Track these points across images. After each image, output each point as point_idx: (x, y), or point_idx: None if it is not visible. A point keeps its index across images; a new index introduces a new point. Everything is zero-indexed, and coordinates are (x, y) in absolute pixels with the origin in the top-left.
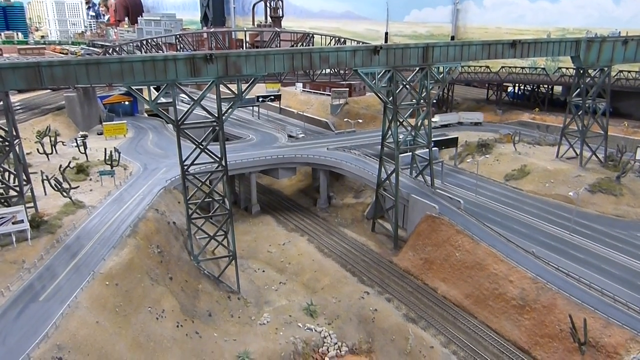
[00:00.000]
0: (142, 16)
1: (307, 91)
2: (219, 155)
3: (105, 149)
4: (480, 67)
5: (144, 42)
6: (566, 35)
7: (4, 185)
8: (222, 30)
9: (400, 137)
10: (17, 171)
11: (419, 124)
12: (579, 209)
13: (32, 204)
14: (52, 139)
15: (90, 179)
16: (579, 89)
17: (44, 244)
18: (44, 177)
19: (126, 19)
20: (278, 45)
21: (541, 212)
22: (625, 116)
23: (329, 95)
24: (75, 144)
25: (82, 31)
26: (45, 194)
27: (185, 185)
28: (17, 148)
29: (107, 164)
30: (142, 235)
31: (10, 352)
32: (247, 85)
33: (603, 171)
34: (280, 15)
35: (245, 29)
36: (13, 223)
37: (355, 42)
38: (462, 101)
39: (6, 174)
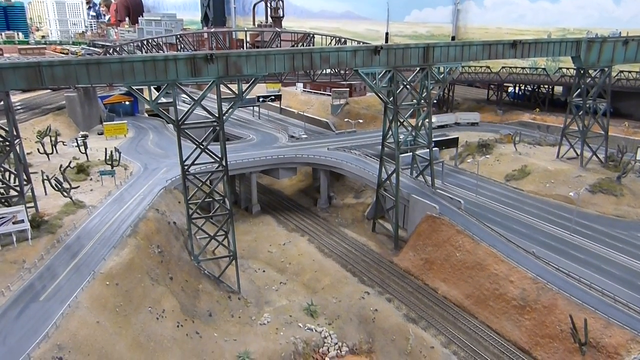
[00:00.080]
0: (142, 16)
1: (308, 91)
2: (220, 155)
3: (105, 148)
4: (481, 67)
5: (145, 42)
6: (567, 35)
7: (4, 185)
8: (223, 30)
9: (401, 137)
10: (17, 171)
11: (419, 124)
12: (579, 210)
13: (32, 204)
14: (53, 138)
15: (91, 179)
16: (579, 89)
17: (45, 244)
18: (45, 177)
19: (127, 19)
20: (278, 45)
21: (542, 213)
22: (625, 116)
23: (330, 95)
24: (76, 144)
25: (83, 31)
26: (46, 194)
27: (185, 185)
28: (17, 148)
29: (108, 164)
30: (142, 235)
31: (10, 351)
32: (247, 85)
33: (603, 171)
34: (281, 15)
35: (245, 29)
36: (13, 223)
37: (356, 42)
38: (462, 101)
39: (7, 173)
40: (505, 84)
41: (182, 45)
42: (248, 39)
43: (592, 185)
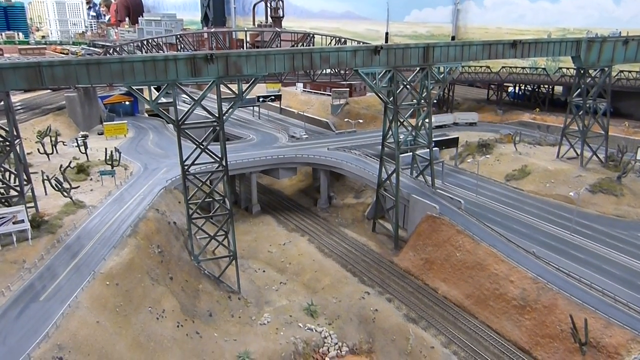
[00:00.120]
0: (142, 16)
1: (308, 91)
2: (220, 155)
3: (105, 148)
4: (481, 67)
5: (145, 42)
6: (567, 35)
7: (4, 185)
8: (223, 30)
9: (401, 137)
10: (17, 171)
11: (419, 124)
12: (579, 209)
13: (32, 204)
14: (53, 138)
15: (91, 179)
16: (579, 89)
17: (45, 244)
18: (45, 177)
19: (127, 19)
20: (278, 45)
21: (542, 212)
22: (625, 116)
23: (330, 95)
24: (76, 144)
25: (83, 31)
26: (46, 194)
27: (185, 185)
28: (17, 148)
29: (108, 164)
30: (142, 235)
31: (10, 351)
32: (247, 85)
33: (604, 171)
34: (281, 15)
35: (245, 29)
36: (14, 223)
37: (356, 42)
38: (462, 101)
39: (7, 173)
40: (505, 84)
41: (182, 46)
42: (248, 39)
43: (592, 185)
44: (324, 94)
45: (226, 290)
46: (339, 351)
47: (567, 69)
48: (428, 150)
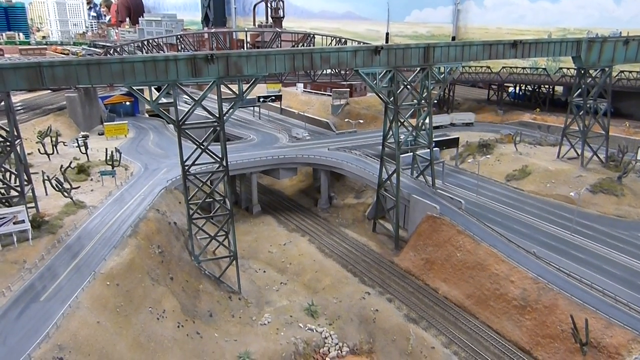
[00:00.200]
0: (143, 17)
1: (308, 91)
2: (220, 156)
3: (106, 149)
4: (481, 67)
5: (145, 42)
6: (567, 35)
7: (5, 186)
8: (223, 30)
9: (401, 137)
10: (18, 171)
11: (419, 124)
12: (580, 210)
13: (33, 204)
14: (53, 139)
15: (91, 179)
16: (580, 89)
17: (45, 244)
18: (45, 177)
19: (127, 19)
20: (279, 45)
21: (542, 213)
22: (626, 116)
23: (330, 95)
24: (77, 144)
25: (84, 32)
26: (46, 194)
27: (186, 185)
28: (18, 148)
29: (108, 164)
30: (143, 236)
31: (11, 352)
32: (248, 85)
33: (604, 171)
34: (281, 15)
35: (246, 30)
36: (14, 223)
37: (356, 43)
38: (463, 101)
39: (7, 174)
40: (505, 84)
41: (183, 46)
42: (248, 39)
43: (592, 185)
44: (325, 94)
45: (227, 290)
46: (339, 351)
47: (568, 69)
48: (428, 150)
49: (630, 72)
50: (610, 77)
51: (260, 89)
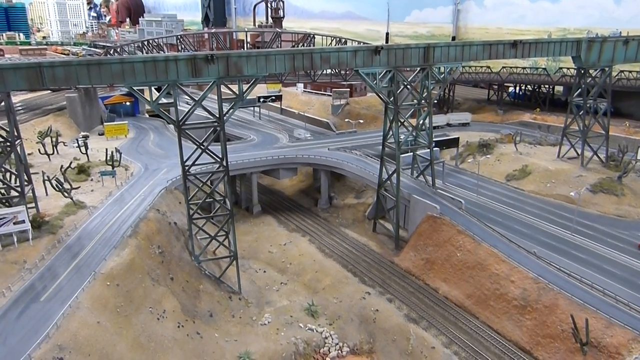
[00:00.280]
0: (143, 17)
1: (308, 92)
2: (220, 156)
3: (106, 149)
4: (481, 67)
5: (146, 42)
6: (567, 35)
7: (5, 186)
8: (223, 30)
9: (402, 137)
10: (18, 171)
11: (420, 124)
12: (580, 209)
13: (33, 205)
14: (54, 139)
15: (92, 180)
16: (580, 89)
17: (45, 244)
18: (45, 178)
19: (127, 19)
20: (279, 45)
21: (542, 212)
22: (626, 116)
23: (330, 95)
24: (77, 145)
25: (84, 32)
26: (47, 195)
27: (186, 185)
28: (18, 148)
29: (108, 165)
30: (143, 236)
31: (11, 352)
32: (248, 85)
33: (604, 171)
34: (281, 15)
35: (246, 30)
36: (14, 223)
37: (356, 43)
38: (463, 101)
39: (7, 174)
40: (505, 84)
41: (183, 46)
42: (248, 40)
43: (593, 185)
44: (325, 94)
45: (227, 290)
46: (339, 351)
47: (568, 69)
48: (428, 150)
49: (630, 71)
50: (610, 77)
51: (261, 89)
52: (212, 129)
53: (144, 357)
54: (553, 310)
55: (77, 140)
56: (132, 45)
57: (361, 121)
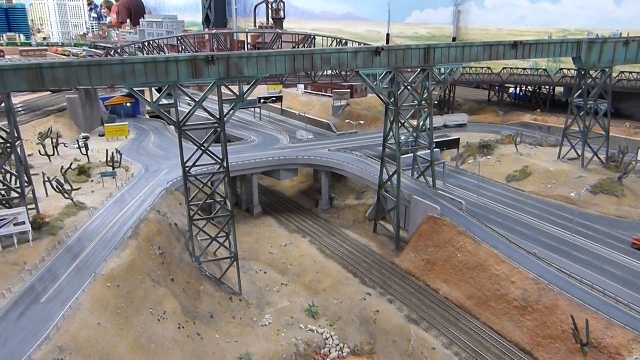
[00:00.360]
0: (144, 18)
1: (309, 92)
2: (221, 157)
3: (106, 150)
4: (482, 68)
5: (146, 43)
6: (567, 36)
7: (5, 187)
8: (224, 31)
9: (402, 138)
10: (18, 172)
11: (420, 125)
12: (580, 210)
13: (33, 206)
14: (54, 140)
15: (92, 181)
16: (580, 90)
17: (45, 246)
18: (46, 179)
19: (128, 20)
20: (279, 46)
21: (543, 213)
22: (626, 117)
23: (331, 96)
24: (77, 146)
25: (84, 33)
26: (47, 196)
27: (186, 186)
28: (18, 149)
29: (109, 166)
30: (143, 237)
31: (11, 353)
32: (248, 86)
33: (605, 172)
34: (282, 16)
35: (246, 30)
36: (14, 224)
37: (357, 44)
38: (463, 102)
39: (7, 175)
40: (506, 85)
41: (183, 47)
42: (249, 40)
43: (593, 186)
44: (325, 95)
45: (227, 291)
46: (340, 352)
47: (568, 69)
48: (429, 151)
49: (630, 72)
50: (610, 78)
51: (261, 90)
52: (212, 129)
53: (144, 358)
54: (553, 311)
55: (77, 141)
56: (133, 46)
57: (362, 122)
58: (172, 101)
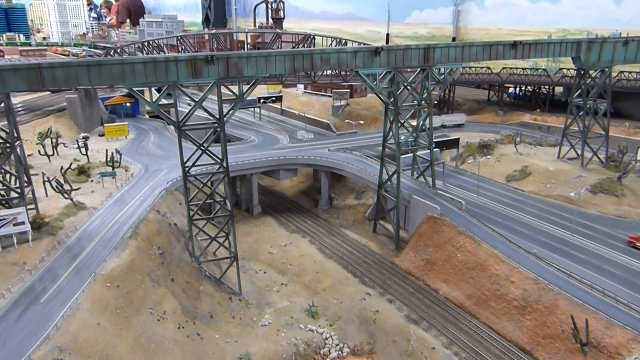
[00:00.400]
0: (143, 18)
1: (309, 92)
2: (220, 157)
3: (106, 150)
4: (482, 68)
5: (146, 43)
6: (567, 36)
7: (5, 187)
8: (224, 31)
9: (402, 138)
10: (18, 173)
11: (420, 125)
12: (580, 210)
13: (33, 206)
14: (54, 140)
15: (92, 181)
16: (580, 90)
17: (45, 246)
18: (45, 179)
19: (128, 20)
20: (279, 46)
21: (542, 213)
22: (626, 117)
23: (331, 96)
24: (77, 146)
25: (84, 33)
26: (47, 196)
27: (186, 186)
28: (18, 149)
29: (109, 166)
30: (143, 237)
31: (11, 353)
32: (248, 86)
33: (604, 172)
34: (282, 16)
35: (246, 31)
36: (14, 224)
37: (357, 44)
38: (463, 102)
39: (7, 175)
40: (505, 85)
41: (183, 47)
42: (249, 40)
43: (592, 186)
44: (325, 95)
45: (227, 291)
46: (340, 352)
47: (568, 69)
48: (429, 151)
49: (630, 72)
50: (609, 78)
51: (261, 90)
52: (212, 129)
53: (144, 358)
54: (553, 311)
55: (77, 141)
56: (133, 46)
57: (361, 122)
58: (171, 101)
